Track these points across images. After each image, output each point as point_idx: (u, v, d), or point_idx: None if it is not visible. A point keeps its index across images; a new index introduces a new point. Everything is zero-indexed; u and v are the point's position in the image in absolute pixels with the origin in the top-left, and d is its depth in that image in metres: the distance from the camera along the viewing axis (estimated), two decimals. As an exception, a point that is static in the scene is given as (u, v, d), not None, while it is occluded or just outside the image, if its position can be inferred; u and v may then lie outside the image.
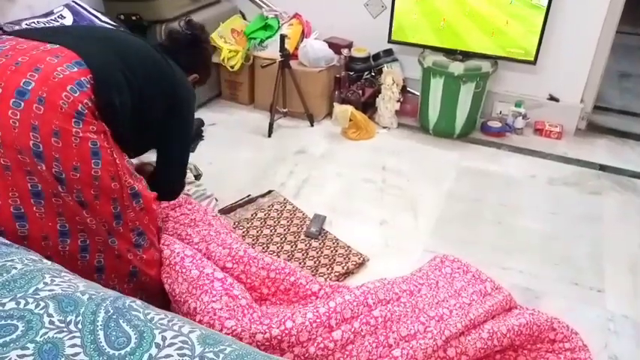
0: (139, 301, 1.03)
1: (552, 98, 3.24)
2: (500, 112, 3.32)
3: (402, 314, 1.60)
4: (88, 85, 1.34)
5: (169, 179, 1.77)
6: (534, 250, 2.26)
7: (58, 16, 2.72)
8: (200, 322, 1.44)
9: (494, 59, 3.06)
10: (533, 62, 3.00)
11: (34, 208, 1.33)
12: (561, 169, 2.91)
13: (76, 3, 2.83)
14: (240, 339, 1.40)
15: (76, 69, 1.33)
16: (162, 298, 1.66)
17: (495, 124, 3.25)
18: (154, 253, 1.63)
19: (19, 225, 1.33)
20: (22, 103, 1.25)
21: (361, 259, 2.14)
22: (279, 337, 1.42)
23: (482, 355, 1.60)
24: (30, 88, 1.26)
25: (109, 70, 1.40)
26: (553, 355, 1.69)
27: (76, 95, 1.30)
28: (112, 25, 2.83)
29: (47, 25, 2.60)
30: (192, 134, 1.79)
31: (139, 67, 1.50)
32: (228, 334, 1.40)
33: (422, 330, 1.54)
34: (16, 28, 2.48)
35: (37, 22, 2.60)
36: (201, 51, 1.89)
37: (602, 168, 2.92)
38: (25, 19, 2.60)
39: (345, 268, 2.10)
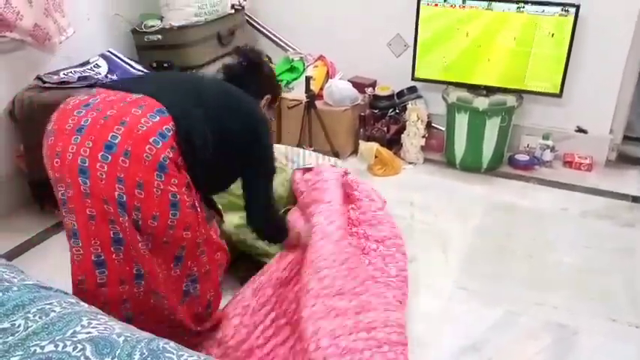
0: (172, 343, 1.05)
1: (580, 130, 3.22)
2: (528, 146, 3.31)
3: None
4: (170, 134, 1.38)
5: (261, 214, 1.74)
6: (569, 285, 2.21)
7: (94, 65, 2.85)
8: None
9: (518, 93, 3.07)
10: (559, 95, 3.00)
11: (114, 256, 1.41)
12: (593, 201, 2.86)
13: (111, 52, 2.96)
14: None
15: (158, 117, 1.38)
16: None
17: (523, 158, 3.23)
18: (197, 307, 1.64)
19: (99, 272, 1.42)
20: (110, 157, 1.32)
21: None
22: None
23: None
24: (117, 142, 1.32)
25: (190, 115, 1.44)
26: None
27: (158, 147, 1.35)
28: (144, 71, 2.95)
29: (83, 73, 2.73)
30: (273, 166, 1.74)
31: (216, 102, 1.55)
32: None
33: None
34: (69, 76, 2.59)
35: (74, 71, 2.73)
36: (260, 72, 1.90)
37: (635, 199, 2.86)
38: (64, 69, 2.73)
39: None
